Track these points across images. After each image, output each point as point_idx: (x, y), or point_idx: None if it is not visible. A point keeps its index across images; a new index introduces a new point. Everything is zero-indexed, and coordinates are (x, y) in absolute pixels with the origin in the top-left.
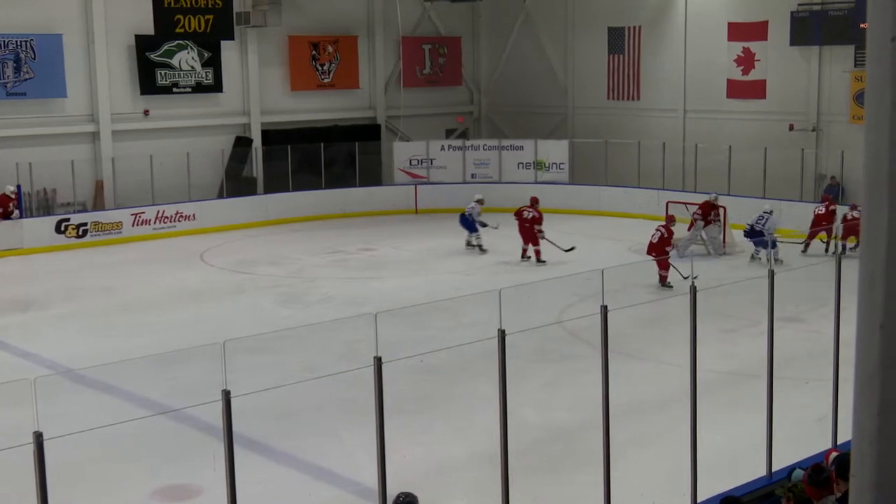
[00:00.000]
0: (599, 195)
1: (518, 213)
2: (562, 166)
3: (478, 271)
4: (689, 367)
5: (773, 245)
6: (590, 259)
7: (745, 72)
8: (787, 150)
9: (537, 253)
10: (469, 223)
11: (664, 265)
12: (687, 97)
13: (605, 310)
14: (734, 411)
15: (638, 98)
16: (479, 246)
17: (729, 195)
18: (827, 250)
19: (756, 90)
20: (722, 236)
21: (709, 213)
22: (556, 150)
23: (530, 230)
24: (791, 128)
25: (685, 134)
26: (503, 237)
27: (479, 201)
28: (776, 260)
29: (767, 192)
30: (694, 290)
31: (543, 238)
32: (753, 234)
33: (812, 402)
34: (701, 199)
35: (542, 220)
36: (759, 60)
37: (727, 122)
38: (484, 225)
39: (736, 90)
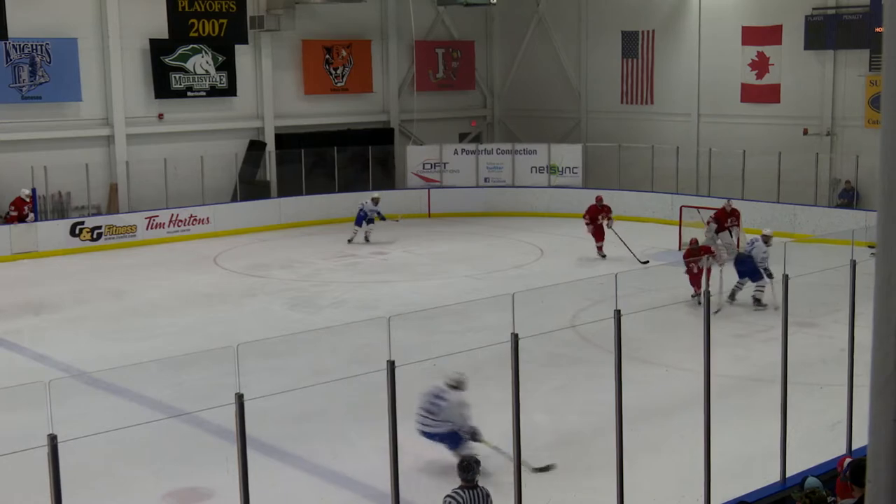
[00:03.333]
0: (612, 199)
1: (592, 215)
2: (575, 170)
3: (489, 276)
4: (702, 372)
5: (760, 276)
6: (602, 263)
7: (760, 76)
8: (802, 154)
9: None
10: (360, 217)
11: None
12: (701, 101)
13: (618, 314)
14: (747, 417)
15: (651, 102)
16: (366, 235)
17: (743, 199)
18: None
19: (770, 94)
20: (736, 241)
21: (725, 220)
22: (569, 155)
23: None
24: (805, 132)
25: (699, 138)
26: (514, 242)
27: (375, 200)
28: (756, 300)
29: (782, 196)
30: (707, 295)
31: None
32: (740, 262)
33: (825, 407)
34: (714, 203)
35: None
36: (773, 65)
37: (741, 126)
38: (382, 218)
39: (750, 94)
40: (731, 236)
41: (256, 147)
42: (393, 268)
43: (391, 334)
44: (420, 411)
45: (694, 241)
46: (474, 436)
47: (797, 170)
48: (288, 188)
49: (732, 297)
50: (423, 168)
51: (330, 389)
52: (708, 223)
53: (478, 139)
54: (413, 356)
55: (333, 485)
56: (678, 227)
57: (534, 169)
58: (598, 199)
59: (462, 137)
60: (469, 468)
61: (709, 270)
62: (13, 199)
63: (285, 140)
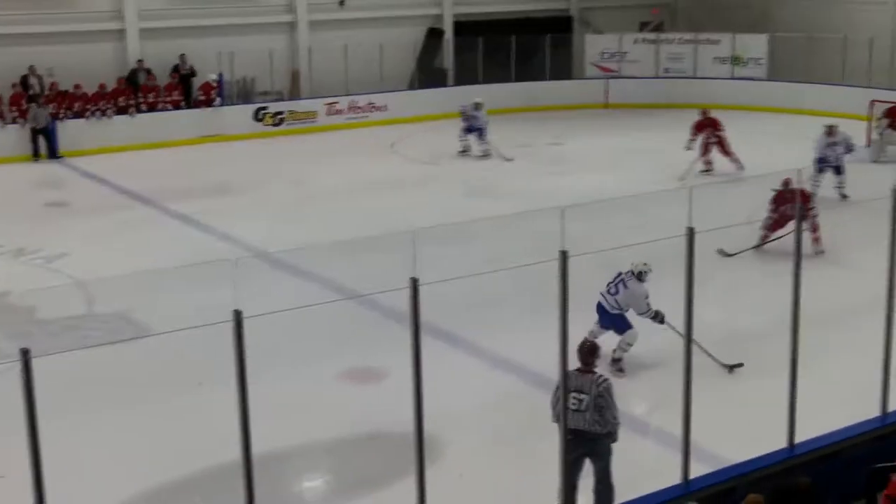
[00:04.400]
0: (800, 93)
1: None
2: (760, 62)
3: (668, 169)
4: (885, 273)
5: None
6: (788, 160)
7: None
8: None
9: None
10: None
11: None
12: None
13: (800, 209)
14: None
15: None
16: (485, 150)
17: None
18: None
19: None
20: None
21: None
22: (754, 45)
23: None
24: None
25: None
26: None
27: (477, 104)
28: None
29: None
30: (895, 193)
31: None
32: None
33: None
34: None
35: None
36: None
37: None
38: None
39: None
40: None
41: (435, 35)
42: (570, 159)
43: (565, 225)
44: (607, 287)
45: (787, 182)
46: (659, 318)
47: None
48: (465, 76)
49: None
50: (602, 58)
51: (504, 277)
52: (879, 118)
53: (659, 28)
54: (586, 247)
55: (504, 371)
56: (868, 123)
57: (717, 59)
58: (704, 113)
59: (643, 26)
60: (583, 351)
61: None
62: (201, 83)
63: (463, 28)
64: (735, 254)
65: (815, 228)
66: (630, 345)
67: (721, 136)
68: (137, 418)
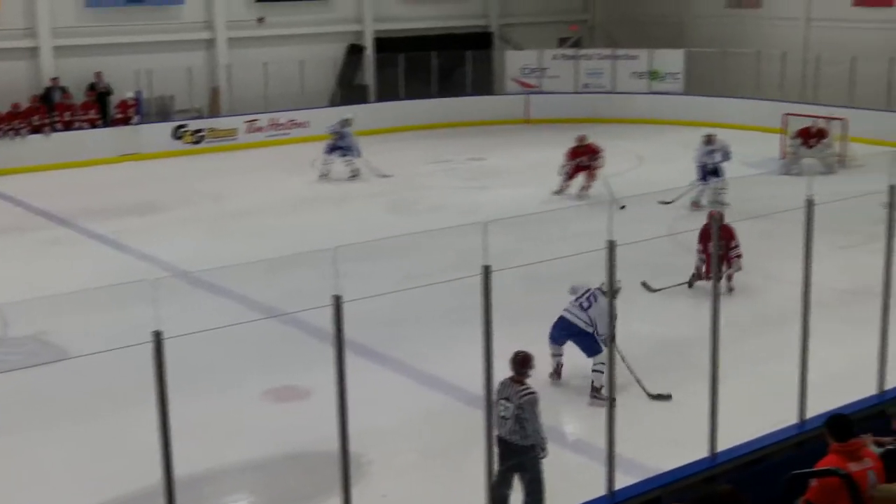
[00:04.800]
0: (715, 107)
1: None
2: (677, 76)
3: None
4: (800, 282)
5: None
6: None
7: None
8: None
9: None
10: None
11: None
12: (811, 5)
13: (718, 219)
14: (849, 328)
15: (759, 6)
16: (352, 171)
17: (852, 108)
18: None
19: None
20: (835, 149)
21: (808, 138)
22: (671, 60)
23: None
24: None
25: (808, 44)
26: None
27: (346, 121)
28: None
29: (892, 104)
30: (809, 203)
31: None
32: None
33: None
34: (820, 112)
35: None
36: None
37: (852, 31)
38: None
39: None
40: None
41: (355, 51)
42: (491, 173)
43: (488, 239)
44: (577, 302)
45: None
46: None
47: None
48: (386, 92)
49: (697, 203)
50: (522, 73)
51: (427, 293)
52: (793, 137)
53: (577, 44)
54: (510, 262)
55: (427, 387)
56: (781, 136)
57: (634, 75)
58: (580, 140)
59: (561, 42)
60: (515, 361)
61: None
62: (119, 101)
63: (384, 44)
64: (659, 289)
65: (729, 264)
66: (605, 366)
67: (593, 165)
68: (57, 442)
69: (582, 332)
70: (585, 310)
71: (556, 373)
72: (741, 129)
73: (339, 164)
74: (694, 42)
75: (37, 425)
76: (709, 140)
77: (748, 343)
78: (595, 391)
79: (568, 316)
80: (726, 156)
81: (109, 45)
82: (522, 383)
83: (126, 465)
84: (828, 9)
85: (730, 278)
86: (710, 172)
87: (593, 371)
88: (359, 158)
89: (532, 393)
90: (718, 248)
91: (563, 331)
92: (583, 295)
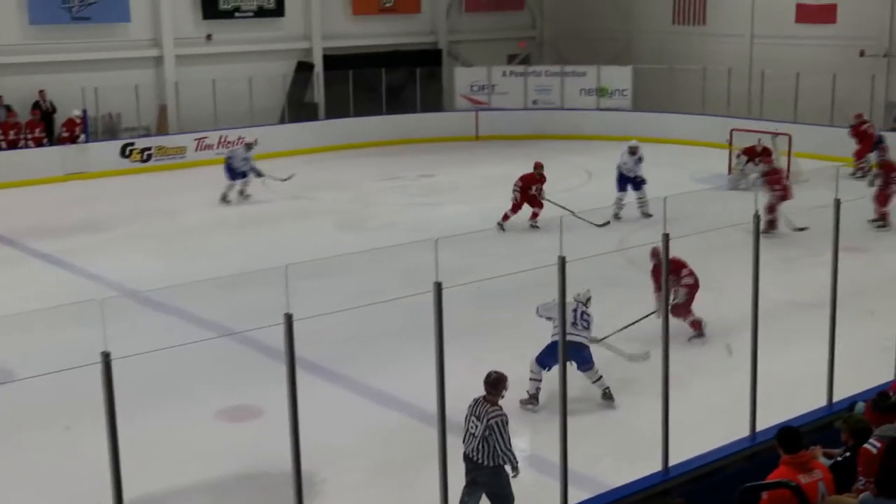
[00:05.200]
0: (662, 122)
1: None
2: (625, 93)
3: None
4: (749, 295)
5: (638, 186)
6: (652, 187)
7: None
8: (858, 76)
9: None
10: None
11: None
12: (755, 22)
13: (666, 238)
14: (796, 341)
15: (704, 23)
16: (242, 190)
17: (796, 123)
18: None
19: (826, 14)
20: (781, 163)
21: (754, 156)
22: (619, 77)
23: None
24: (862, 53)
25: (752, 60)
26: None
27: (248, 145)
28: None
29: (836, 119)
30: (757, 218)
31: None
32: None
33: (877, 333)
34: (767, 126)
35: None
36: None
37: (796, 47)
38: (259, 174)
39: (805, 14)
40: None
41: (304, 68)
42: (441, 190)
43: (439, 256)
44: (571, 325)
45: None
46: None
47: (852, 93)
48: (335, 110)
49: (617, 215)
50: (471, 90)
51: (378, 311)
52: (739, 155)
53: (526, 61)
54: (461, 278)
55: (380, 405)
56: (728, 151)
57: (583, 91)
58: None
59: (510, 59)
60: (487, 381)
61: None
62: (65, 120)
63: (333, 61)
64: (602, 338)
65: (688, 307)
66: (598, 373)
67: (541, 196)
68: (5, 466)
69: (584, 346)
70: (587, 328)
71: (534, 398)
72: (688, 145)
73: (238, 188)
74: (641, 58)
75: None
76: (633, 151)
77: (698, 356)
78: (606, 395)
79: (575, 339)
80: (640, 160)
81: (55, 63)
82: (494, 404)
83: (77, 488)
84: (771, 25)
85: (695, 326)
86: (630, 181)
87: (596, 383)
88: (259, 178)
89: (502, 415)
90: (667, 282)
91: (554, 356)
92: (577, 317)
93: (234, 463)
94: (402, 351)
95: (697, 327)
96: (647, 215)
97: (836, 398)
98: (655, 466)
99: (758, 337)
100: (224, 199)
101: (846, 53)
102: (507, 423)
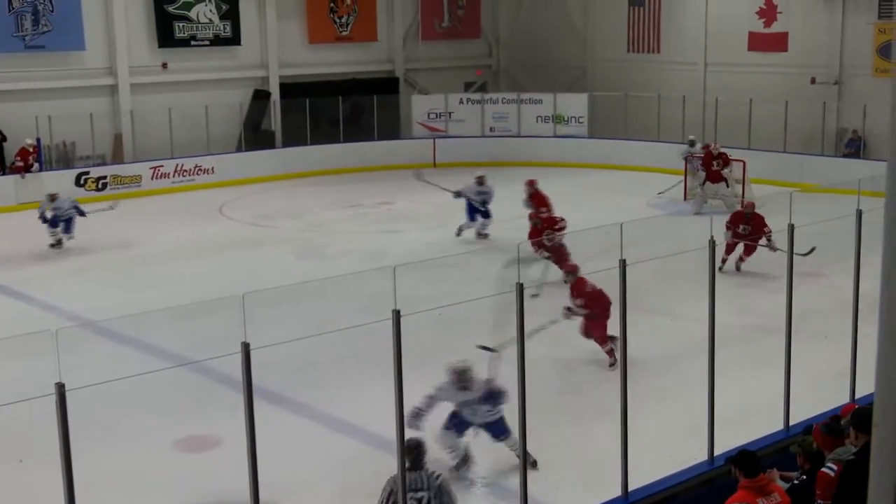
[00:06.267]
0: (619, 149)
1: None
2: (581, 120)
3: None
4: (705, 321)
5: (486, 215)
6: (608, 213)
7: (768, 24)
8: (809, 103)
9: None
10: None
11: None
12: (708, 50)
13: (623, 264)
14: (752, 366)
15: (658, 51)
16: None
17: (749, 149)
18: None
19: (778, 43)
20: (736, 189)
21: (710, 163)
22: (575, 104)
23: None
24: (813, 81)
25: (706, 87)
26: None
27: (52, 196)
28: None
29: (788, 146)
30: (713, 244)
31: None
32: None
33: (831, 357)
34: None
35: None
36: (781, 13)
37: (748, 75)
38: (82, 213)
39: (757, 43)
40: (727, 185)
41: (261, 97)
42: (399, 218)
43: (397, 284)
44: (464, 401)
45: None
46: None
47: (804, 119)
48: (293, 138)
49: (459, 233)
50: (429, 118)
51: (337, 339)
52: (697, 171)
53: (483, 88)
54: (419, 305)
55: (340, 433)
56: (684, 177)
57: (539, 118)
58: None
59: (467, 87)
60: (408, 448)
61: None
62: (18, 149)
63: (290, 89)
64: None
65: (597, 328)
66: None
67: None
68: None
69: (487, 422)
70: (498, 401)
71: (465, 459)
72: (644, 171)
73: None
74: (596, 86)
75: None
76: (480, 181)
77: (653, 381)
78: (533, 464)
79: (464, 416)
80: (490, 197)
81: (8, 92)
82: (423, 468)
83: None
84: (723, 54)
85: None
86: (481, 212)
87: (513, 448)
88: (82, 217)
89: (441, 474)
90: (625, 308)
91: (463, 421)
92: (471, 402)
93: (192, 494)
94: (362, 379)
95: (612, 355)
96: (485, 236)
97: (792, 422)
98: (615, 492)
99: (714, 363)
100: (54, 246)
101: (798, 81)
102: (449, 478)
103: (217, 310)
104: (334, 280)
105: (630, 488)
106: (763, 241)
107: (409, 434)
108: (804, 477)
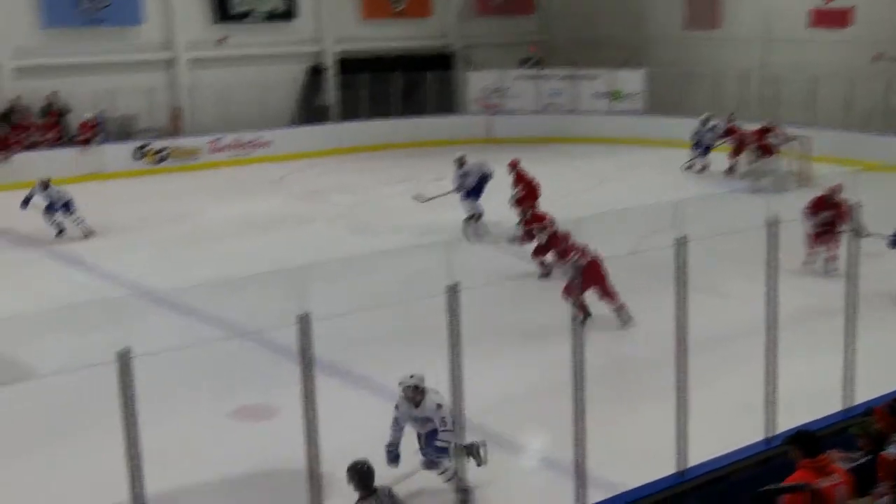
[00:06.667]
0: (675, 126)
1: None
2: (636, 97)
3: (550, 202)
4: (757, 301)
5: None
6: (663, 192)
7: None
8: (873, 81)
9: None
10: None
11: None
12: (769, 25)
13: (683, 240)
14: (808, 347)
15: (716, 27)
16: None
17: (810, 127)
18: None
19: (841, 19)
20: (797, 167)
21: (762, 137)
22: (631, 80)
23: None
24: (880, 56)
25: (766, 63)
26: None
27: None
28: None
29: (850, 124)
30: (772, 222)
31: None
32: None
33: (891, 339)
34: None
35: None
36: None
37: (810, 51)
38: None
39: (820, 18)
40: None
41: (317, 72)
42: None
43: (450, 258)
44: (405, 413)
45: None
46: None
47: (868, 97)
48: (347, 113)
49: (478, 219)
50: (484, 93)
51: (393, 313)
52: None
53: (538, 65)
54: (473, 280)
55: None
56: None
57: (595, 95)
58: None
59: (522, 63)
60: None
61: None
62: (79, 122)
63: (345, 65)
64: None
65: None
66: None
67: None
68: (24, 464)
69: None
70: (422, 413)
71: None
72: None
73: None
74: (651, 62)
75: (2, 447)
76: (461, 162)
77: (713, 360)
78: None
79: (408, 425)
80: (485, 178)
81: (68, 66)
82: (376, 491)
83: (95, 486)
84: (785, 29)
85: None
86: (470, 194)
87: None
88: (72, 215)
89: (390, 487)
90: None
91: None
92: (418, 413)
93: (250, 463)
94: (417, 352)
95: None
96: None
97: (852, 403)
98: (670, 469)
99: (774, 341)
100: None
101: (861, 58)
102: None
103: (276, 282)
104: (387, 255)
105: (687, 465)
106: (846, 227)
107: (391, 469)
108: (866, 458)
